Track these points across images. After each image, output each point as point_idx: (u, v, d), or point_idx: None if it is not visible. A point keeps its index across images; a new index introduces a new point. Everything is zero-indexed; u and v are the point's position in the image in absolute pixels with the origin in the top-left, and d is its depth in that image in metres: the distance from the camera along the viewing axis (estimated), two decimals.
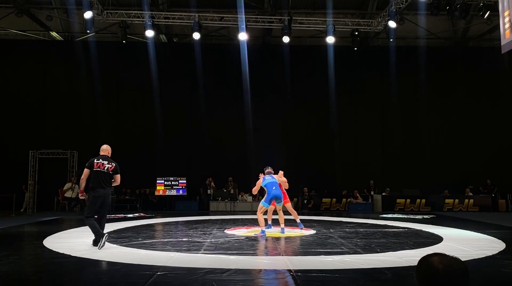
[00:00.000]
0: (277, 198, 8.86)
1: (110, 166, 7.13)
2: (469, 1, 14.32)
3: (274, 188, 8.84)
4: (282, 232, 9.00)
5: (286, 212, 9.69)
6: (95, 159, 7.12)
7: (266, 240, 8.19)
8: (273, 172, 9.32)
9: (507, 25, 9.05)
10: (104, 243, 6.86)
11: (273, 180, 9.00)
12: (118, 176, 7.21)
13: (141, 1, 15.39)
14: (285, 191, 9.45)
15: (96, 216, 7.08)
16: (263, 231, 8.66)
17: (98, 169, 7.02)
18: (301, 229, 9.40)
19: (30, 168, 15.56)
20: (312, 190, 16.98)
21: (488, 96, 18.00)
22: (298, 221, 9.59)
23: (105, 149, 7.38)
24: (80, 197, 7.66)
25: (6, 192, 14.58)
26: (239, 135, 17.60)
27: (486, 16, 14.33)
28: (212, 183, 16.67)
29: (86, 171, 7.07)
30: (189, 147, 17.66)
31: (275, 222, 9.47)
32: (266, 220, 9.30)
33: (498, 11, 9.86)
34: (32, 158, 15.59)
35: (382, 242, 7.83)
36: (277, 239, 8.39)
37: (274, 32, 17.49)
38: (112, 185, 7.26)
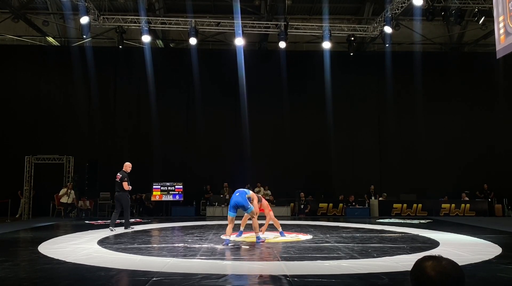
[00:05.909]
0: (239, 206, 8.23)
1: (119, 176, 10.41)
2: (464, 7, 14.41)
3: (237, 194, 8.36)
4: (258, 241, 8.40)
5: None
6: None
7: (261, 245, 8.15)
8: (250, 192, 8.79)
9: (501, 30, 9.10)
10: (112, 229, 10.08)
11: (240, 190, 8.59)
12: (124, 183, 10.35)
13: (138, 6, 15.44)
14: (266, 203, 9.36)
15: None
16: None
17: (115, 179, 10.43)
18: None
19: (26, 173, 15.49)
20: (309, 195, 16.96)
21: (484, 100, 18.07)
22: (280, 230, 9.29)
23: (124, 165, 10.70)
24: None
25: (1, 197, 14.51)
26: (235, 140, 17.57)
27: (481, 21, 14.44)
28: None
29: None
30: (185, 152, 17.64)
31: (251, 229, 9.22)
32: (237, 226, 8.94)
33: (493, 16, 9.92)
34: (28, 163, 15.52)
35: (379, 247, 7.82)
36: (273, 244, 8.36)
37: (271, 38, 17.53)
38: (125, 189, 10.32)
